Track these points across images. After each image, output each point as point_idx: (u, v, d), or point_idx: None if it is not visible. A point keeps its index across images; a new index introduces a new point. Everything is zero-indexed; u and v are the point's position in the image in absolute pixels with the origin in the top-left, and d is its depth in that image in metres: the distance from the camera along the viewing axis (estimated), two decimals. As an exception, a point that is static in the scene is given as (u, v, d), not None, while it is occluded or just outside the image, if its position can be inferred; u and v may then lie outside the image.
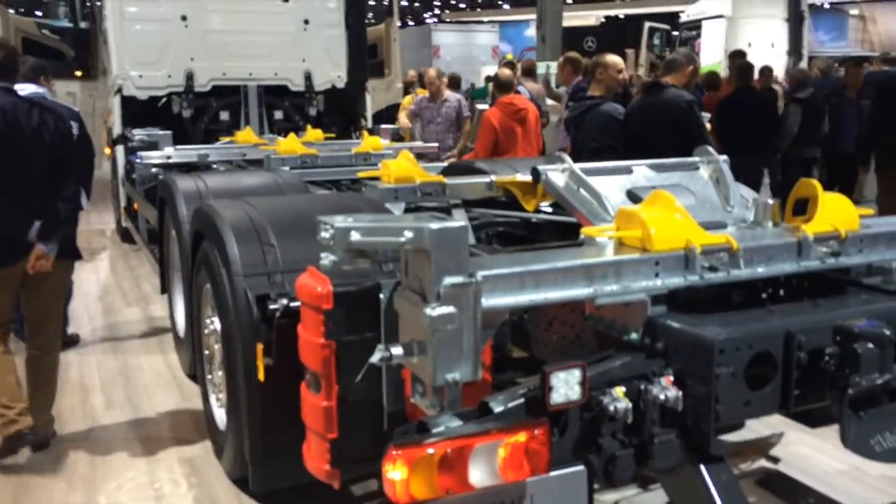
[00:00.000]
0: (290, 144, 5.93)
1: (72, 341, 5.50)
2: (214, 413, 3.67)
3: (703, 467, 2.17)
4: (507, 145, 6.38)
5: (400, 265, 2.19)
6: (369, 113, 8.52)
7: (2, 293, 3.83)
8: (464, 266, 2.05)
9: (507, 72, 6.74)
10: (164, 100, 7.90)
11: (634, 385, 2.11)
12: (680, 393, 2.10)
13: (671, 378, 2.12)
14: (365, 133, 6.74)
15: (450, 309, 2.02)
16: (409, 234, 2.04)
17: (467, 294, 2.04)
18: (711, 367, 2.07)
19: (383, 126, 7.61)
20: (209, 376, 3.75)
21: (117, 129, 7.73)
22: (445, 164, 5.65)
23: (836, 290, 2.62)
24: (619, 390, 2.05)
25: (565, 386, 1.95)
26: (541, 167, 2.87)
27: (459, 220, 3.76)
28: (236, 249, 3.09)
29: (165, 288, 5.32)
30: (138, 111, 7.77)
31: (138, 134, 6.89)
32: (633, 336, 2.30)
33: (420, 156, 7.29)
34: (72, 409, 4.44)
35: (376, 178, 4.11)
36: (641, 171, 2.94)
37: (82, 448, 3.94)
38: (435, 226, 2.01)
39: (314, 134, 7.07)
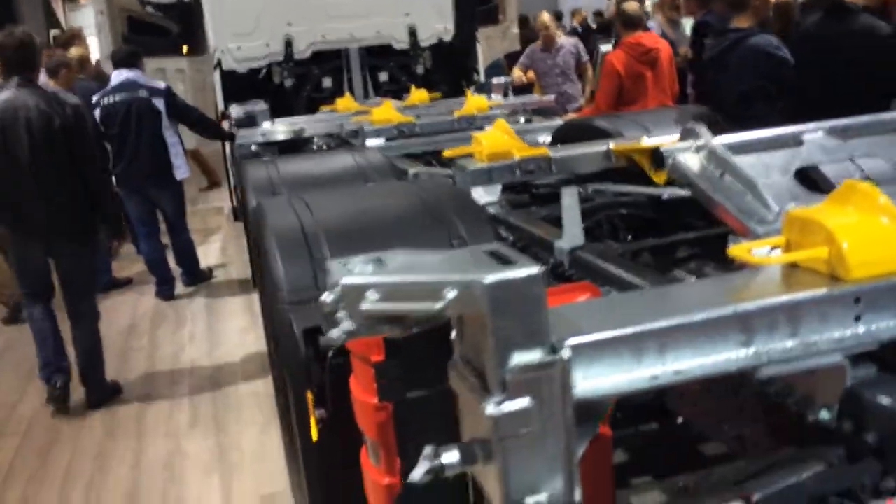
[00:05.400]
0: (384, 113, 5.29)
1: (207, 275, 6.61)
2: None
3: None
4: (634, 94, 5.40)
5: (453, 325, 1.47)
6: (481, 66, 7.74)
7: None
8: (541, 333, 1.30)
9: (633, 5, 5.68)
10: (263, 72, 7.51)
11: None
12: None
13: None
14: (468, 92, 5.97)
15: (523, 403, 1.29)
16: (451, 294, 1.31)
17: (550, 378, 1.30)
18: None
19: (494, 80, 6.82)
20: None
21: (220, 105, 7.43)
22: (559, 121, 4.85)
23: None
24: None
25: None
26: (665, 147, 2.04)
27: (569, 202, 2.99)
28: (281, 268, 2.47)
29: (257, 284, 4.88)
30: (241, 85, 7.41)
31: (234, 110, 6.49)
32: (823, 415, 1.49)
33: (539, 111, 6.51)
34: (155, 425, 4.06)
35: (468, 156, 3.39)
36: (817, 140, 2.05)
37: (157, 478, 3.52)
38: (491, 278, 1.28)
39: (419, 95, 6.42)
